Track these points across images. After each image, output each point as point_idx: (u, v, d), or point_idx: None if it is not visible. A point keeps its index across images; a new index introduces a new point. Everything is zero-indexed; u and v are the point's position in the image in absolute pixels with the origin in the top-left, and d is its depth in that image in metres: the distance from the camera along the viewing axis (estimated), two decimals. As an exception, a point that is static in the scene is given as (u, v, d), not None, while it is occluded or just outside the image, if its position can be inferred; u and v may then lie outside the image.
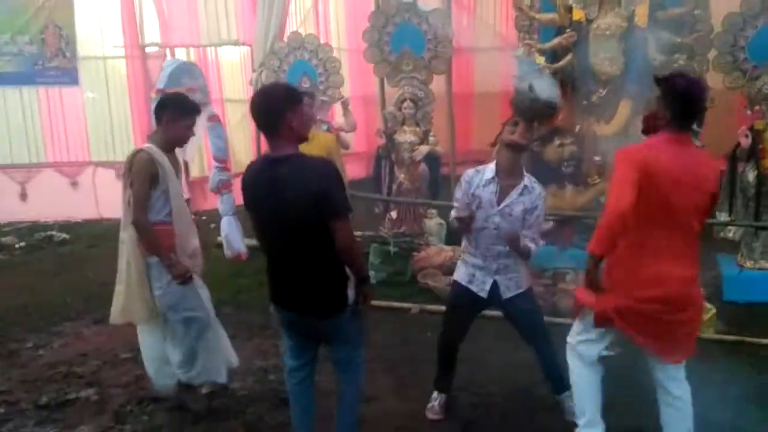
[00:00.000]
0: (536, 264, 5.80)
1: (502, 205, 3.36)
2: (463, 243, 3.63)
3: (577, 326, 3.21)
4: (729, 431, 3.46)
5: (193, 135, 3.70)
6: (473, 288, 3.52)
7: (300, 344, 3.10)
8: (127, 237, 3.59)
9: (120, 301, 3.66)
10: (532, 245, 3.41)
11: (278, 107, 2.73)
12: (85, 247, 7.89)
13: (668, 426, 3.07)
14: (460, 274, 3.60)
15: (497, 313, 3.88)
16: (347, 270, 2.88)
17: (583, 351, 3.15)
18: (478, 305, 3.60)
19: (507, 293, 3.49)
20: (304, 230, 2.74)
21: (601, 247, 2.82)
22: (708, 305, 4.76)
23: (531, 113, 3.33)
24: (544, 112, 3.41)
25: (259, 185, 2.82)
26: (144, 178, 3.43)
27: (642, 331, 2.93)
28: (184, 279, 3.54)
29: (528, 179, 3.42)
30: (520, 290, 3.52)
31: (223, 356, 3.93)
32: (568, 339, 3.23)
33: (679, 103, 2.82)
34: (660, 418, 3.10)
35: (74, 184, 9.19)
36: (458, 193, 3.53)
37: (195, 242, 3.71)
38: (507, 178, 3.38)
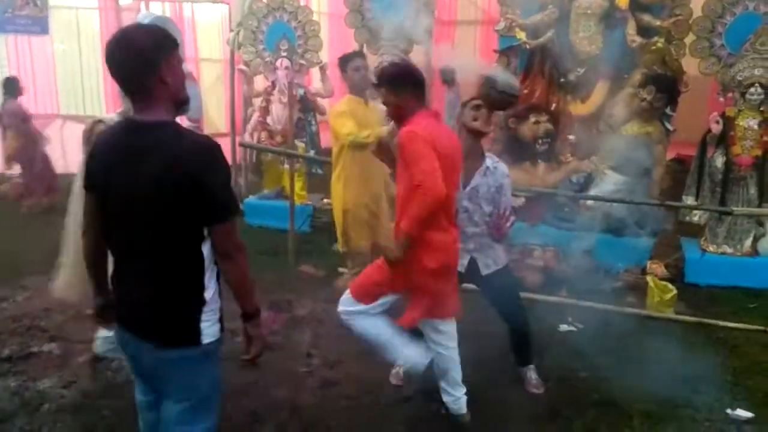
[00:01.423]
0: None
1: (468, 188, 3.41)
2: None
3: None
4: (683, 409, 3.56)
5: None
6: (461, 269, 3.49)
7: (143, 378, 2.31)
8: (73, 210, 3.20)
9: (65, 275, 3.33)
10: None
11: (147, 56, 1.96)
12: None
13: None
14: None
15: (467, 286, 3.93)
16: (212, 296, 2.16)
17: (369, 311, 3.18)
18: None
19: (485, 270, 3.53)
20: (158, 225, 2.00)
21: (418, 227, 2.90)
22: (669, 286, 4.88)
23: (497, 103, 3.40)
24: (508, 102, 3.48)
25: (112, 155, 2.04)
26: None
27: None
28: None
29: (490, 160, 3.46)
30: (498, 267, 3.56)
31: None
32: (350, 308, 3.19)
33: (412, 82, 3.10)
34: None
35: (43, 138, 8.96)
36: None
37: None
38: (469, 161, 3.41)
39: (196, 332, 2.11)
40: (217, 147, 2.03)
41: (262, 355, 2.31)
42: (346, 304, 3.21)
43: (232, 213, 2.06)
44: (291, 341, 4.21)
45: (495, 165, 3.46)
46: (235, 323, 4.48)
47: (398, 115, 3.13)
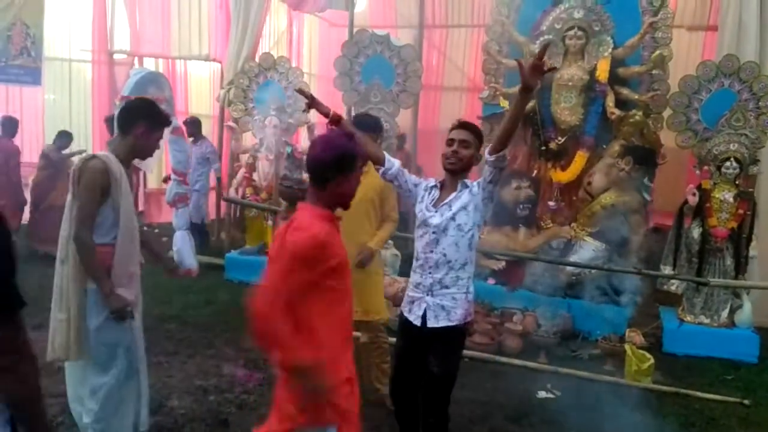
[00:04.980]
0: (486, 302, 5.91)
1: (442, 202, 3.05)
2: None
3: None
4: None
5: (158, 148, 3.29)
6: (411, 317, 3.09)
7: None
8: (70, 256, 3.01)
9: (62, 334, 3.01)
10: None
11: None
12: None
13: None
14: (404, 302, 3.23)
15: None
16: None
17: None
18: (418, 338, 3.07)
19: (433, 321, 3.01)
20: None
21: None
22: (647, 355, 4.89)
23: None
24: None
25: None
26: (94, 191, 2.94)
27: None
28: (122, 314, 3.00)
29: (468, 181, 3.10)
30: (450, 324, 3.01)
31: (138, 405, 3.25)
32: None
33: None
34: None
35: (26, 185, 8.94)
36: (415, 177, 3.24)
37: (134, 269, 3.15)
38: (447, 189, 3.12)
39: None
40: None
41: None
42: None
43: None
44: (265, 401, 4.14)
45: (472, 183, 3.08)
46: (207, 381, 4.45)
47: None
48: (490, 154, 2.90)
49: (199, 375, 4.50)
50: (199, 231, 7.90)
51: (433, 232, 3.02)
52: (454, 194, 3.03)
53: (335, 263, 2.31)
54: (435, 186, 3.14)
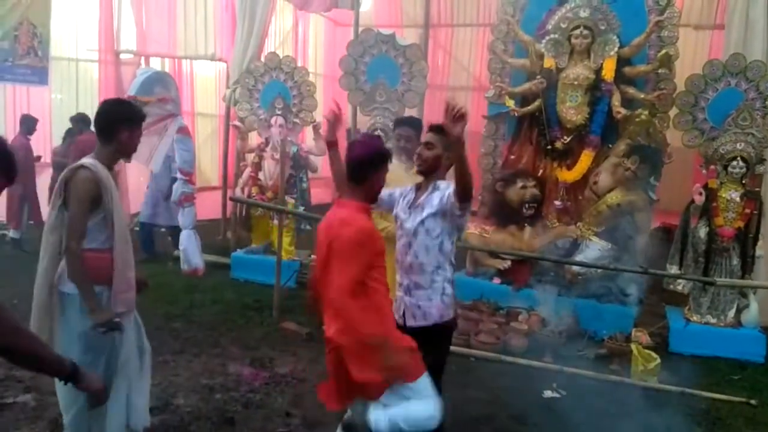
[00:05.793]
0: (491, 301, 5.91)
1: (415, 204, 3.16)
2: None
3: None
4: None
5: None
6: (397, 317, 3.18)
7: None
8: (46, 257, 3.09)
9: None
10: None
11: None
12: (37, 248, 7.71)
13: None
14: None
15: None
16: None
17: None
18: None
19: (411, 321, 3.14)
20: None
21: None
22: (653, 355, 4.88)
23: None
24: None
25: None
26: (84, 202, 2.94)
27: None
28: (110, 326, 2.92)
29: (441, 183, 3.18)
30: (427, 324, 3.12)
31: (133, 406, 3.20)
32: None
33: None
34: None
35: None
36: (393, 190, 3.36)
37: (131, 275, 3.16)
38: (421, 191, 3.22)
39: None
40: None
41: None
42: None
43: None
44: (270, 399, 4.16)
45: (445, 184, 3.18)
46: (213, 379, 4.46)
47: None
48: (456, 200, 3.00)
49: (205, 374, 4.52)
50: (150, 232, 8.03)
51: (406, 235, 3.16)
52: (424, 195, 3.16)
53: (380, 246, 2.82)
54: (411, 189, 3.27)
